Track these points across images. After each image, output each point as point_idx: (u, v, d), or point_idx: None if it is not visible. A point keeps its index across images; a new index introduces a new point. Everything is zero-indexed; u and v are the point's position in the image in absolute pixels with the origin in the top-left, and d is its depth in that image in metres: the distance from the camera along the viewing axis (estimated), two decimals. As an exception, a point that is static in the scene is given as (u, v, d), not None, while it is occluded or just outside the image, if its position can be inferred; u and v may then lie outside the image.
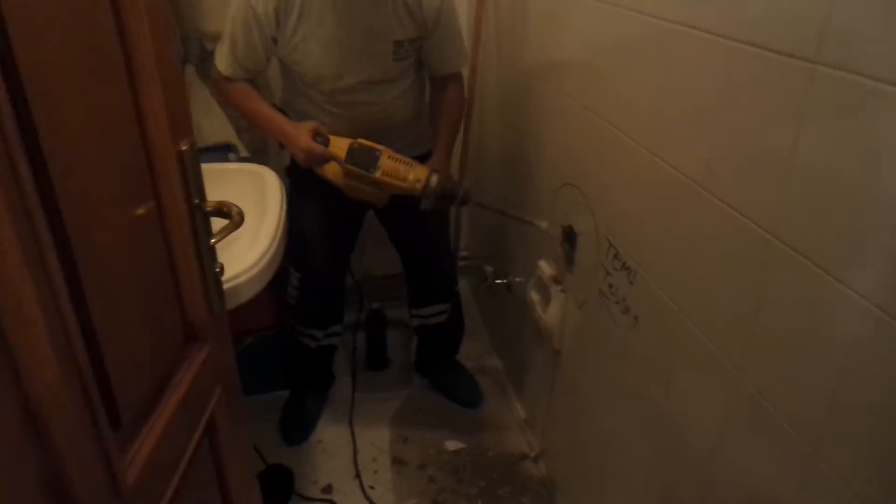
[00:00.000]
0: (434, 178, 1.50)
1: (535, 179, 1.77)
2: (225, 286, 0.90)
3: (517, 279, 2.03)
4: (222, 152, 1.99)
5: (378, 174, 1.49)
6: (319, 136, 1.50)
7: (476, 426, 2.05)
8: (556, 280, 1.60)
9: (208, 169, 0.82)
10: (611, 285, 1.30)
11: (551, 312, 1.59)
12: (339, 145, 1.51)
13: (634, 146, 1.16)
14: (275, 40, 1.54)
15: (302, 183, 1.73)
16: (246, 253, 1.04)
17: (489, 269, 2.09)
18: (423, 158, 1.65)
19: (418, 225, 1.81)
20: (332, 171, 1.57)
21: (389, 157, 1.50)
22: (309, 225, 1.72)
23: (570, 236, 1.52)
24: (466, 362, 2.22)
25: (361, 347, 2.36)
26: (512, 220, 1.65)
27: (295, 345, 1.91)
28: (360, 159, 1.50)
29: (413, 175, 1.50)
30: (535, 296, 1.72)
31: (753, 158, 0.84)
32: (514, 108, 1.97)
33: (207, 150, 1.94)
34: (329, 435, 2.00)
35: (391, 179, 1.50)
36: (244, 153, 2.06)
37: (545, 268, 1.66)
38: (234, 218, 0.82)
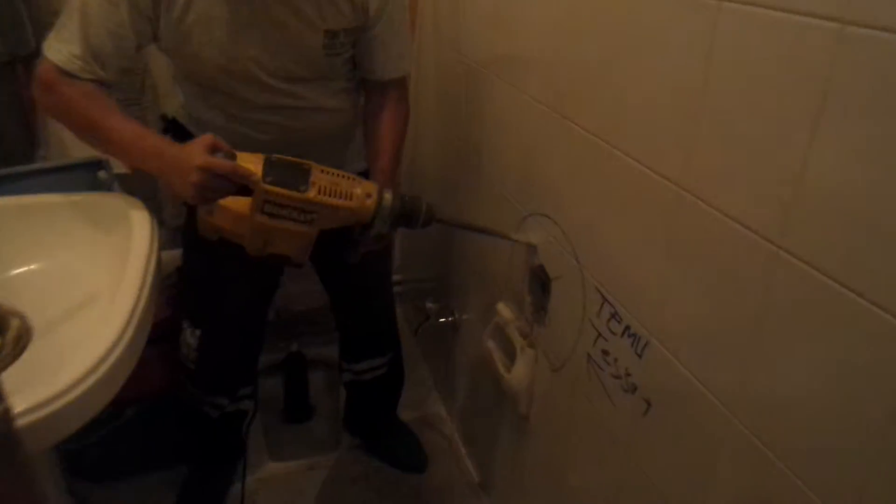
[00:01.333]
0: (387, 195, 1.07)
1: (487, 205, 1.44)
2: (26, 422, 0.53)
3: (466, 316, 1.70)
4: (89, 170, 1.54)
5: (312, 193, 1.02)
6: (220, 153, 1.01)
7: (422, 495, 1.71)
8: (523, 333, 1.28)
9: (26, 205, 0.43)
10: (606, 353, 0.99)
11: (517, 373, 1.26)
12: (250, 160, 1.02)
13: (642, 171, 0.85)
14: (151, 25, 1.09)
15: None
16: (73, 358, 0.65)
17: (430, 305, 1.75)
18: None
19: (358, 264, 1.41)
20: (232, 213, 1.05)
21: (323, 171, 1.05)
22: (212, 263, 1.32)
23: (540, 279, 1.20)
24: (405, 412, 1.87)
25: (276, 394, 1.97)
26: (485, 234, 1.24)
27: (194, 415, 1.51)
28: (285, 175, 1.02)
29: (361, 190, 1.06)
30: (492, 345, 1.39)
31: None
32: (456, 116, 1.63)
33: (68, 170, 1.49)
34: (238, 522, 1.61)
35: (332, 199, 1.03)
36: (122, 168, 1.61)
37: (506, 313, 1.34)
38: (7, 341, 0.44)
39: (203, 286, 1.35)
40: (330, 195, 1.03)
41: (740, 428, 0.71)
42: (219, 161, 0.97)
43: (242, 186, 1.00)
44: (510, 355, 1.32)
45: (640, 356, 0.90)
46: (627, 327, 0.92)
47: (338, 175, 1.05)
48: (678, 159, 0.77)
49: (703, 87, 0.72)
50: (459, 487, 1.71)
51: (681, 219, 0.78)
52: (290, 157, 1.03)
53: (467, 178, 1.57)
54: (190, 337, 1.37)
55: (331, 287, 1.57)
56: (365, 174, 1.22)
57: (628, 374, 0.94)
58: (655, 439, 0.89)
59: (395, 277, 2.26)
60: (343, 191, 1.04)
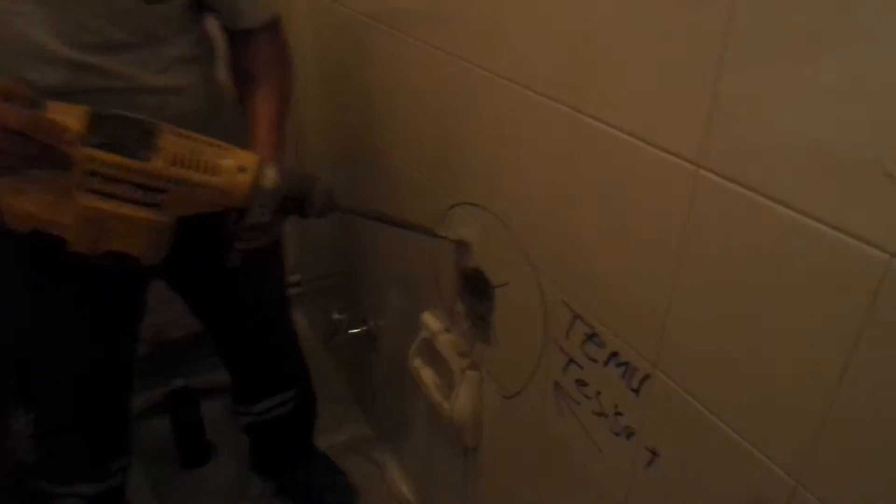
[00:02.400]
0: (269, 171, 0.77)
1: (396, 193, 1.15)
2: None
3: (383, 323, 1.42)
4: None
5: (159, 163, 0.71)
6: (16, 101, 0.67)
7: (354, 540, 1.44)
8: (461, 351, 1.02)
9: None
10: (582, 383, 0.75)
11: (460, 402, 1.01)
12: (68, 113, 0.69)
13: (628, 142, 0.59)
14: None
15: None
16: None
17: (338, 317, 1.46)
18: None
19: (235, 278, 1.07)
20: (45, 191, 0.74)
21: (177, 134, 0.73)
22: (28, 293, 0.95)
23: (477, 287, 0.94)
24: (322, 437, 1.57)
25: (164, 435, 1.62)
26: (400, 227, 0.94)
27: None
28: (118, 136, 0.70)
29: (232, 161, 0.75)
30: (420, 365, 1.13)
31: None
32: (342, 82, 1.32)
33: None
34: None
35: (188, 173, 0.72)
36: None
37: (435, 326, 1.07)
38: None
39: (18, 339, 0.98)
40: (186, 166, 0.72)
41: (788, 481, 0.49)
42: (11, 111, 0.65)
43: (57, 152, 0.69)
44: (445, 377, 1.06)
45: (636, 392, 0.66)
46: (614, 354, 0.68)
47: (199, 140, 0.74)
48: (696, 128, 0.52)
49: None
50: (397, 520, 1.46)
51: (697, 206, 0.54)
52: (128, 112, 0.71)
53: (364, 159, 1.27)
54: (17, 422, 1.00)
55: (203, 313, 1.24)
56: None
57: (619, 414, 0.70)
58: (667, 499, 0.66)
59: (292, 277, 1.94)
60: (206, 162, 0.73)
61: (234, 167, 0.74)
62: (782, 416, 0.51)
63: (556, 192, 0.71)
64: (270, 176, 0.76)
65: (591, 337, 0.71)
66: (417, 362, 1.12)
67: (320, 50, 1.41)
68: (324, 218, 0.80)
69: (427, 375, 1.10)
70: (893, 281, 0.41)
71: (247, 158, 0.76)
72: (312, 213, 0.79)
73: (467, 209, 0.91)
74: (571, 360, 0.75)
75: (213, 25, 0.98)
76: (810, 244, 0.45)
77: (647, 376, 0.64)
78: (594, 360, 0.72)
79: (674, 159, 0.55)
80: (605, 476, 0.75)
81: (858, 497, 0.47)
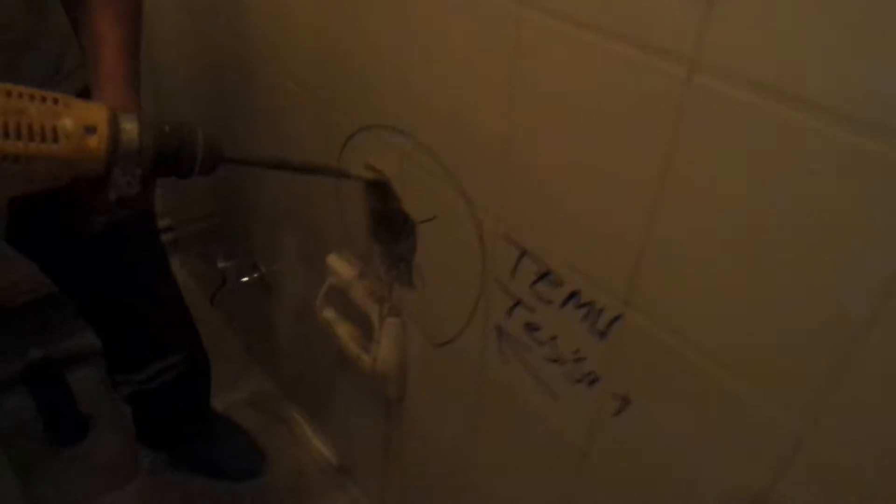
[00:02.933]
0: (128, 125, 0.57)
1: (280, 122, 0.97)
2: None
3: (278, 267, 1.26)
4: None
5: None
6: None
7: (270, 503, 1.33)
8: (377, 296, 0.89)
9: None
10: (533, 327, 0.65)
11: (382, 353, 0.89)
12: None
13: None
14: None
15: None
16: None
17: (225, 264, 1.27)
18: None
19: (98, 241, 0.85)
20: None
21: None
22: None
23: (394, 224, 0.81)
24: (219, 396, 1.41)
25: (28, 412, 1.40)
26: (305, 173, 0.77)
27: None
28: None
29: (73, 120, 0.54)
30: (332, 315, 1.00)
31: None
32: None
33: None
34: None
35: (14, 145, 0.52)
36: None
37: (344, 270, 0.93)
38: None
39: None
40: (9, 135, 0.51)
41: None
42: None
43: None
44: (362, 327, 0.94)
45: (602, 335, 0.58)
46: (573, 294, 0.59)
47: (22, 96, 0.53)
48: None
49: None
50: (316, 477, 1.35)
51: (690, 112, 0.44)
52: None
53: (239, 88, 1.07)
54: None
55: (62, 279, 1.03)
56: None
57: (580, 359, 0.61)
58: (639, 447, 0.59)
59: (163, 222, 1.70)
60: (35, 125, 0.52)
61: (79, 127, 0.54)
62: (790, 349, 0.44)
63: (496, 105, 0.58)
64: (131, 132, 0.57)
65: (544, 276, 0.61)
66: (328, 313, 0.99)
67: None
68: (208, 175, 0.63)
69: (340, 326, 0.97)
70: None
71: (94, 113, 0.55)
72: (194, 172, 0.62)
73: (378, 134, 0.76)
74: (519, 303, 0.65)
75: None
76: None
77: (616, 317, 0.56)
78: (548, 302, 0.62)
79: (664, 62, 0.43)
80: (561, 426, 0.67)
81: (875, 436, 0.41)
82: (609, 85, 0.48)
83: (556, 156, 0.55)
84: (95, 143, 0.55)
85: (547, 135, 0.55)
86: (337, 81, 0.81)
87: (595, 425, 0.63)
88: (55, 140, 0.53)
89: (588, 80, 0.49)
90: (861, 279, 0.38)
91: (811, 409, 0.44)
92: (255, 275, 1.29)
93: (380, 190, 0.79)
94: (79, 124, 0.54)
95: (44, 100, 0.53)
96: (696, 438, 0.53)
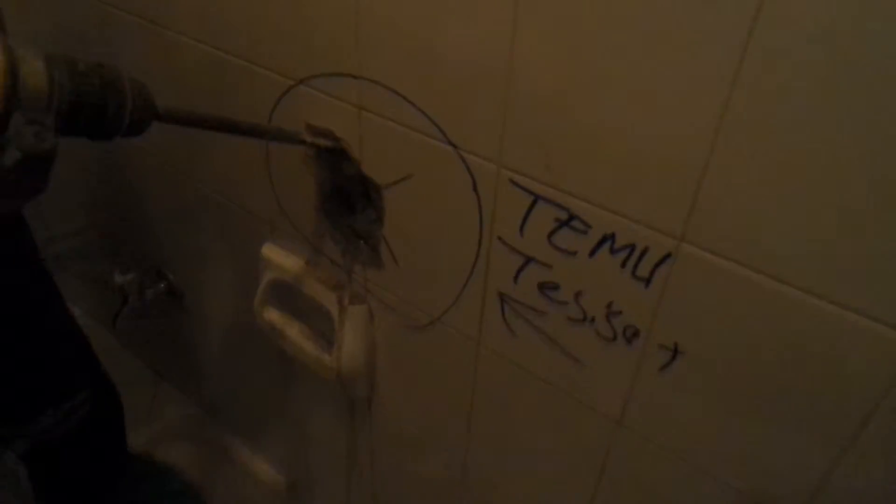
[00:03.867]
0: (33, 59, 0.41)
1: (193, 88, 0.80)
2: None
3: (189, 272, 1.09)
4: None
5: None
6: None
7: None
8: (334, 283, 0.76)
9: None
10: (550, 286, 0.56)
11: (346, 348, 0.76)
12: None
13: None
14: None
15: None
16: None
17: (123, 278, 1.08)
18: None
19: None
20: None
21: None
22: None
23: (349, 194, 0.68)
24: (136, 433, 1.20)
25: None
26: (253, 135, 0.63)
27: None
28: None
29: None
30: (276, 315, 0.85)
31: None
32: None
33: None
34: None
35: None
36: None
37: (285, 261, 0.79)
38: None
39: None
40: None
41: None
42: None
43: None
44: (317, 322, 0.81)
45: (646, 280, 0.49)
46: (607, 238, 0.50)
47: None
48: None
49: None
50: (265, 502, 1.20)
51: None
52: None
53: (128, 43, 0.88)
54: None
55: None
56: None
57: (614, 314, 0.53)
58: (690, 404, 0.52)
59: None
60: None
61: None
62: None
63: (497, 11, 0.48)
64: (35, 65, 0.41)
65: (565, 223, 0.52)
66: (270, 313, 0.84)
67: None
68: (135, 137, 0.48)
69: (289, 327, 0.83)
70: None
71: None
72: (121, 130, 0.46)
73: (321, 85, 0.63)
74: (530, 260, 0.56)
75: None
76: None
77: (665, 256, 0.47)
78: (571, 253, 0.53)
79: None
80: (589, 394, 0.59)
81: None
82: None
83: (584, 60, 0.45)
84: None
85: (569, 35, 0.45)
86: (260, 25, 0.66)
87: (635, 388, 0.55)
88: None
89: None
90: None
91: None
92: (162, 284, 1.10)
93: (330, 154, 0.66)
94: None
95: None
96: (773, 380, 0.46)
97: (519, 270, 0.57)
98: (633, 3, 0.41)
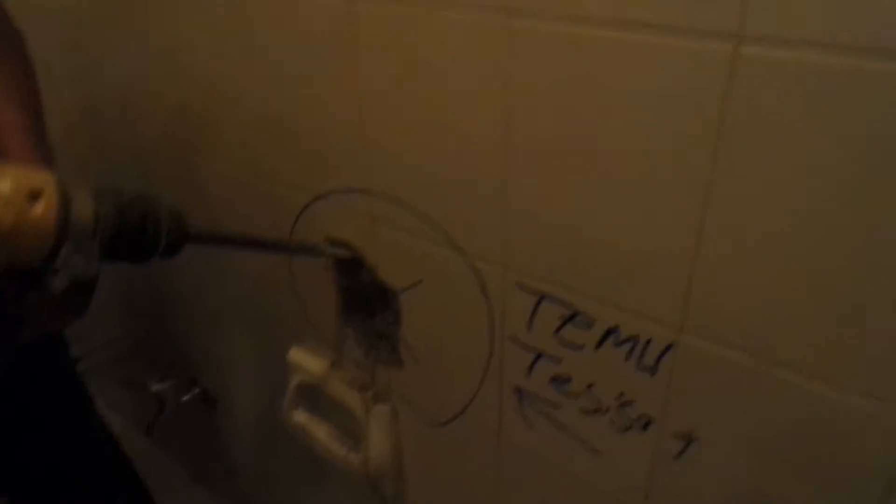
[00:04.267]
0: (81, 194, 0.46)
1: (216, 211, 0.87)
2: None
3: (222, 378, 1.12)
4: None
5: None
6: None
7: None
8: (358, 384, 0.79)
9: None
10: (563, 379, 0.58)
11: (373, 448, 0.78)
12: None
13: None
14: None
15: None
16: None
17: (160, 386, 1.12)
18: None
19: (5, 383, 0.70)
20: None
21: None
22: None
23: (367, 298, 0.72)
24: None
25: None
26: (280, 251, 0.70)
27: None
28: None
29: (12, 183, 0.43)
30: (305, 418, 0.88)
31: None
32: (99, 45, 0.99)
33: None
34: None
35: None
36: None
37: (312, 364, 0.83)
38: None
39: None
40: None
41: None
42: None
43: None
44: (344, 423, 0.83)
45: (651, 371, 0.51)
46: (611, 331, 0.52)
47: None
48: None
49: None
50: None
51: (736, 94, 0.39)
52: None
53: (157, 177, 0.96)
54: None
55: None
56: None
57: (626, 403, 0.54)
58: (709, 486, 0.53)
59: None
60: None
61: (20, 192, 0.43)
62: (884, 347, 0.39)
63: (487, 127, 0.52)
64: (83, 199, 0.46)
65: (570, 319, 0.54)
66: (299, 415, 0.87)
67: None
68: (171, 258, 0.53)
69: (317, 428, 0.85)
70: None
71: (37, 176, 0.45)
72: (157, 252, 0.51)
73: (337, 200, 0.68)
74: (541, 356, 0.58)
75: None
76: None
77: (668, 346, 0.49)
78: (578, 347, 0.55)
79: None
80: (611, 485, 0.59)
81: None
82: (638, 79, 0.43)
83: (570, 179, 0.49)
84: (42, 210, 0.43)
85: (556, 156, 0.49)
86: (279, 151, 0.72)
87: (655, 476, 0.56)
88: None
89: (609, 86, 0.45)
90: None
91: (932, 401, 0.39)
92: (196, 391, 1.14)
93: (348, 264, 0.71)
94: (20, 188, 0.43)
95: None
96: (788, 458, 0.47)
97: (531, 365, 0.59)
98: (608, 134, 0.45)
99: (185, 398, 1.12)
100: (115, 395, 1.47)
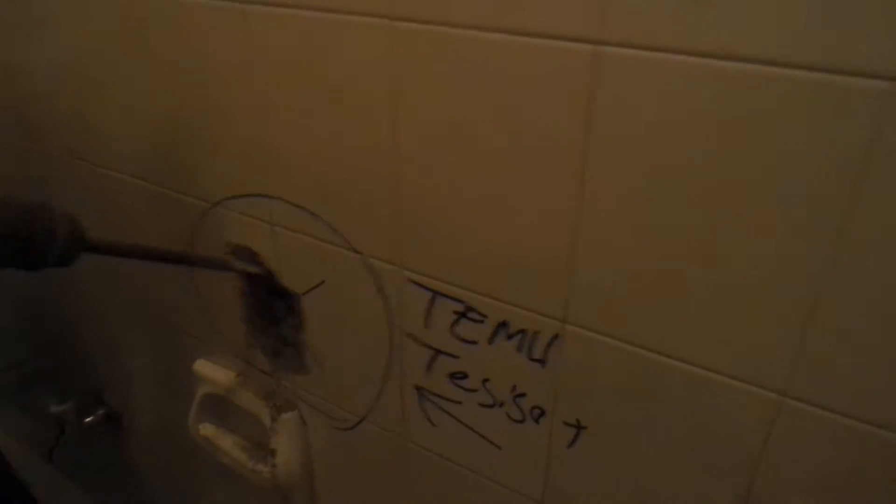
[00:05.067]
0: None
1: (114, 219, 0.84)
2: None
3: (127, 396, 1.08)
4: None
5: None
6: None
7: None
8: (264, 393, 0.78)
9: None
10: (459, 375, 0.59)
11: (282, 457, 0.77)
12: None
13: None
14: None
15: None
16: None
17: (60, 407, 1.07)
18: None
19: None
20: None
21: None
22: None
23: (270, 304, 0.71)
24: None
25: None
26: (182, 263, 0.69)
27: None
28: None
29: None
30: (211, 431, 0.85)
31: None
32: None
33: None
34: None
35: None
36: None
37: (217, 375, 0.81)
38: None
39: None
40: None
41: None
42: None
43: None
44: (252, 433, 0.81)
45: (541, 362, 0.53)
46: (502, 325, 0.54)
47: None
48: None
49: None
50: None
51: (604, 84, 0.41)
52: None
53: (47, 175, 0.92)
54: None
55: None
56: None
57: (519, 396, 0.56)
58: (602, 474, 0.54)
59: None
60: None
61: None
62: (752, 328, 0.42)
63: (377, 135, 0.53)
64: None
65: (464, 315, 0.55)
66: (206, 429, 0.84)
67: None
68: (66, 267, 0.51)
69: (223, 440, 0.83)
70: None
71: None
72: (49, 260, 0.49)
73: (235, 206, 0.67)
74: (438, 352, 0.59)
75: None
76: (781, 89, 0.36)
77: (554, 337, 0.51)
78: (472, 342, 0.56)
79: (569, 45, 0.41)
80: (513, 478, 0.61)
81: (854, 394, 0.40)
82: (515, 79, 0.45)
83: (456, 179, 0.50)
84: None
85: (442, 158, 0.50)
86: (177, 157, 0.71)
87: (550, 466, 0.57)
88: None
89: (485, 76, 0.46)
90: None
91: (784, 374, 0.42)
92: (101, 411, 1.09)
93: (252, 271, 0.70)
94: None
95: None
96: (665, 442, 0.49)
97: (430, 363, 0.60)
98: (487, 134, 0.47)
99: (89, 419, 1.07)
100: (12, 421, 1.38)
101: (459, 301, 0.55)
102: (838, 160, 0.35)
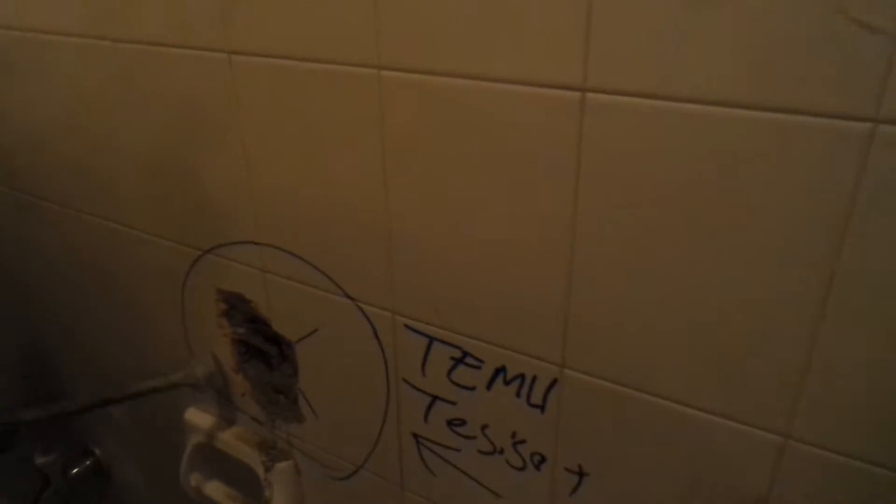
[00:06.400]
0: None
1: (111, 265, 0.83)
2: None
3: (115, 446, 1.05)
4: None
5: None
6: None
7: None
8: (259, 444, 0.76)
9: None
10: (457, 422, 0.58)
11: (276, 508, 0.75)
12: None
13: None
14: None
15: None
16: None
17: (45, 459, 1.04)
18: None
19: None
20: None
21: None
22: None
23: (263, 351, 0.70)
24: None
25: None
26: (158, 391, 0.71)
27: None
28: None
29: None
30: (202, 481, 0.83)
31: None
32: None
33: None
34: None
35: None
36: None
37: (207, 424, 0.79)
38: None
39: None
40: None
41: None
42: None
43: None
44: (245, 484, 0.79)
45: (540, 408, 0.52)
46: (499, 370, 0.53)
47: None
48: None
49: None
50: None
51: (588, 137, 0.42)
52: None
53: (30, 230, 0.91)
54: None
55: None
56: None
57: (519, 442, 0.55)
58: (607, 522, 0.53)
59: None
60: None
61: None
62: (751, 371, 0.42)
63: (369, 181, 0.53)
64: None
65: (461, 361, 0.55)
66: (196, 479, 0.82)
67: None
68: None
69: (217, 491, 0.81)
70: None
71: None
72: None
73: (227, 253, 0.67)
74: (436, 399, 0.58)
75: None
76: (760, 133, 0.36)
77: (553, 382, 0.51)
78: (470, 388, 0.55)
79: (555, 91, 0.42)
80: (513, 525, 0.59)
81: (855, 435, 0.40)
82: (499, 124, 0.45)
83: (448, 225, 0.50)
84: None
85: (434, 204, 0.50)
86: (169, 205, 0.70)
87: (552, 513, 0.56)
88: None
89: (475, 133, 0.46)
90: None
91: (785, 416, 0.41)
92: (88, 462, 1.06)
93: (244, 318, 0.69)
94: None
95: None
96: (670, 487, 0.49)
97: (427, 410, 0.59)
98: (478, 179, 0.47)
99: (75, 471, 1.04)
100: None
101: (456, 346, 0.54)
102: (825, 197, 0.35)
